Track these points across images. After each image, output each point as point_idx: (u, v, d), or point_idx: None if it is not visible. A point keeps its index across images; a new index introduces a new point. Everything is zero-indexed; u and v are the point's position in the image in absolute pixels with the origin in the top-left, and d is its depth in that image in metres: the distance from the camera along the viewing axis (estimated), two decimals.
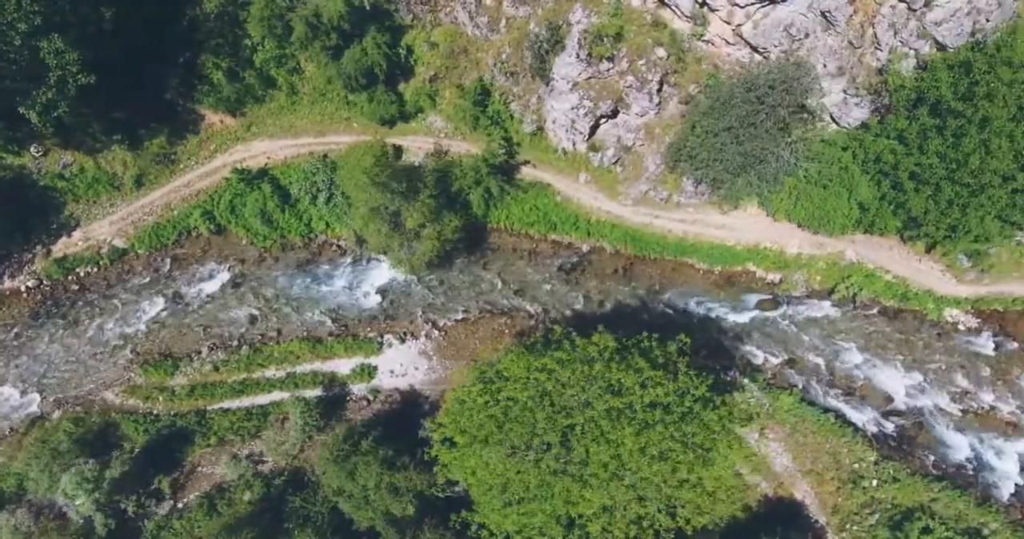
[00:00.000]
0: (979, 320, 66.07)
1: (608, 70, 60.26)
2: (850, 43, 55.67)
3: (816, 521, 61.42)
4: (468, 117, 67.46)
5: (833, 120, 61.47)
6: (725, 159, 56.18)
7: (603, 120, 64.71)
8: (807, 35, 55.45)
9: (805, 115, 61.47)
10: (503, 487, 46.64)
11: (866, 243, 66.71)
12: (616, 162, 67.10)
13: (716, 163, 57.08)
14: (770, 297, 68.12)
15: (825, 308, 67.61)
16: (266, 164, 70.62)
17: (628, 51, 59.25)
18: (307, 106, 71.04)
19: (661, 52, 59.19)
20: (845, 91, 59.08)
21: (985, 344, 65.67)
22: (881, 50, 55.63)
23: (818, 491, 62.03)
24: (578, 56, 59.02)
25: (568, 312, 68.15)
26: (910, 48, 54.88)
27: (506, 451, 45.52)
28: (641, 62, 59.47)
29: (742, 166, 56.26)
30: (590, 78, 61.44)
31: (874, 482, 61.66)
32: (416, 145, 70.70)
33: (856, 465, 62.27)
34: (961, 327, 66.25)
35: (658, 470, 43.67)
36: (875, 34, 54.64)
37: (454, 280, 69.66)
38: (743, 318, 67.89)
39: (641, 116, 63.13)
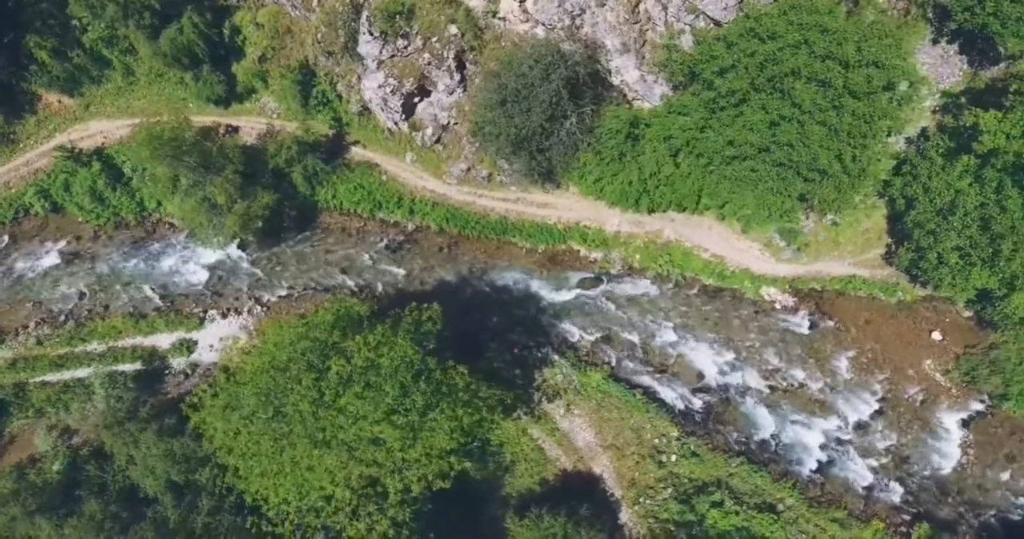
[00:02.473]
0: (796, 299, 66.28)
1: (405, 48, 61.09)
2: (627, 19, 56.21)
3: (612, 495, 61.95)
4: (294, 98, 68.38)
5: (642, 97, 62.17)
6: (499, 134, 56.84)
7: (417, 99, 65.53)
8: (583, 11, 56.09)
9: (614, 94, 62.38)
10: (249, 451, 47.74)
11: (685, 222, 67.13)
12: (437, 141, 67.90)
13: (496, 138, 57.76)
14: (591, 276, 68.67)
15: (645, 286, 68.07)
16: (102, 143, 71.88)
17: (421, 29, 60.05)
18: (144, 87, 72.30)
19: (454, 29, 59.96)
20: (639, 68, 59.74)
21: (800, 323, 65.93)
22: (659, 26, 56.18)
23: (617, 466, 62.57)
24: (371, 34, 59.88)
25: (390, 290, 68.97)
26: (685, 24, 55.43)
27: (246, 416, 46.58)
28: (435, 39, 60.26)
29: (518, 141, 56.82)
30: (392, 56, 62.31)
31: (673, 457, 62.19)
32: (250, 125, 71.78)
33: (657, 440, 62.80)
34: (778, 306, 66.48)
35: (358, 432, 44.50)
36: (647, 9, 55.19)
37: (282, 258, 70.72)
38: (563, 296, 68.46)
39: (450, 94, 63.92)
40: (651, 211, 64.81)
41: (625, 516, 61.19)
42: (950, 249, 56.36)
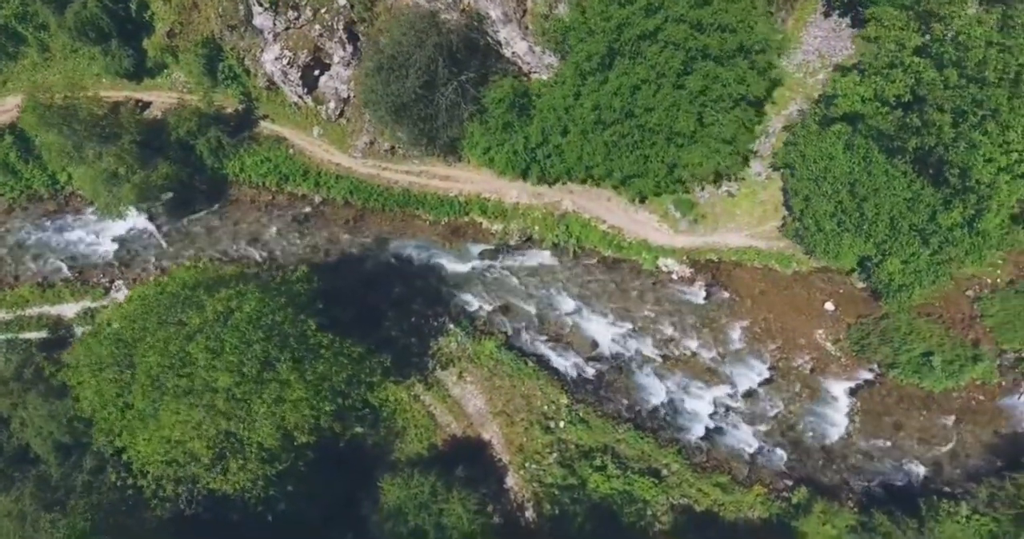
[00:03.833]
0: (693, 270, 66.91)
1: (296, 19, 62.10)
2: None
3: (500, 460, 62.82)
4: (201, 73, 69.40)
5: (536, 70, 62.98)
6: (379, 101, 57.77)
7: (317, 72, 66.52)
8: None
9: (507, 66, 63.23)
10: (104, 403, 49.15)
11: (583, 193, 67.96)
12: (341, 115, 68.87)
13: (377, 106, 58.69)
14: (492, 247, 69.49)
15: (545, 257, 68.90)
16: (17, 118, 73.02)
17: (310, 0, 61.04)
18: (60, 62, 73.41)
19: (342, 0, 60.91)
20: (525, 39, 60.61)
21: (696, 293, 66.61)
22: None
23: (506, 432, 63.44)
24: (261, 5, 60.92)
25: (294, 260, 69.89)
26: None
27: (96, 369, 48.05)
28: (324, 11, 61.25)
29: (397, 108, 57.68)
30: (287, 28, 63.33)
31: (562, 424, 63.00)
32: (162, 100, 72.85)
33: (547, 407, 63.62)
34: (675, 277, 67.15)
35: (204, 382, 45.64)
36: None
37: (191, 229, 71.79)
38: (464, 267, 69.35)
39: (346, 67, 64.88)
40: (546, 182, 65.60)
41: (511, 480, 62.10)
42: (825, 215, 57.20)
